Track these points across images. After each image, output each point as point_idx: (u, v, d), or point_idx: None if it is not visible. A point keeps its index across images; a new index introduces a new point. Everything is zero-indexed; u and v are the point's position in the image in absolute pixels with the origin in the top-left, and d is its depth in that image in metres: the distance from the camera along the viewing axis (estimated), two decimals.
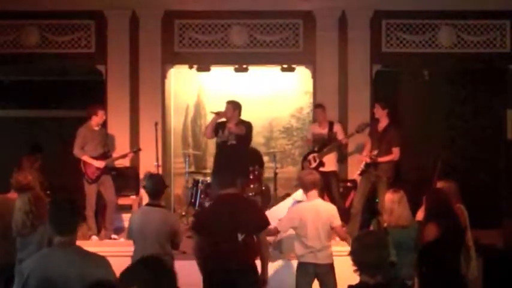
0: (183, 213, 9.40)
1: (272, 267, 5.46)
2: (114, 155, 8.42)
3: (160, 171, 8.53)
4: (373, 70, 9.38)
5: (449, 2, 9.28)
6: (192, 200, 9.06)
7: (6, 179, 6.10)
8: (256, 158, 9.38)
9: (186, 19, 9.44)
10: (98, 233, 8.05)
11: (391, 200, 5.75)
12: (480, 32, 9.37)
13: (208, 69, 9.84)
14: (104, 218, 8.15)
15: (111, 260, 3.62)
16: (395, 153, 7.73)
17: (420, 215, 5.89)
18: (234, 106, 7.96)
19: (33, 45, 9.35)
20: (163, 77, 9.58)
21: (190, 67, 9.89)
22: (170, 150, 10.38)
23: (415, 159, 8.97)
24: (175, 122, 10.56)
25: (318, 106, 8.72)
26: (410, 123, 9.56)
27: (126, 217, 8.77)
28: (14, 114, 11.10)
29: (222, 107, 8.06)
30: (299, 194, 6.71)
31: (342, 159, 9.07)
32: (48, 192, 6.88)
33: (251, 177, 8.88)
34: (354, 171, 8.39)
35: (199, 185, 9.00)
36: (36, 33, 9.33)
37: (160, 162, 8.64)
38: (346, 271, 5.87)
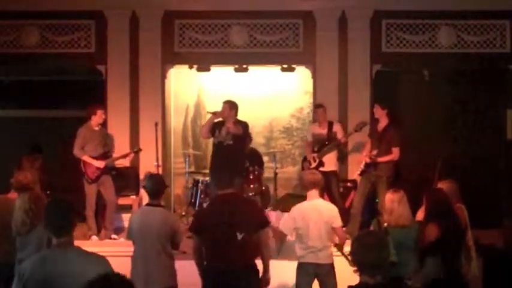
0: (183, 213, 9.40)
1: (271, 267, 5.44)
2: (114, 155, 8.42)
3: (160, 171, 8.53)
4: (373, 70, 9.38)
5: (449, 2, 9.28)
6: (192, 200, 9.06)
7: (6, 179, 6.11)
8: (256, 158, 9.39)
9: (186, 19, 9.44)
10: (98, 233, 8.04)
11: (391, 199, 5.75)
12: (480, 32, 9.37)
13: (208, 69, 9.84)
14: (104, 218, 8.14)
15: (111, 260, 3.62)
16: (395, 153, 7.73)
17: (420, 214, 5.89)
18: (231, 106, 7.95)
19: (33, 45, 9.36)
20: (163, 77, 9.58)
21: (190, 67, 9.89)
22: (170, 150, 10.38)
23: (415, 159, 8.96)
24: (175, 122, 10.56)
25: (318, 106, 8.71)
26: (410, 123, 9.55)
27: (126, 217, 8.76)
28: (14, 114, 11.09)
29: (222, 107, 8.07)
30: None
31: (342, 159, 9.07)
32: (48, 192, 6.89)
33: (251, 177, 8.89)
34: (354, 171, 8.39)
35: (199, 185, 9.00)
36: (36, 33, 9.34)
37: (160, 162, 8.64)
38: (346, 271, 5.89)
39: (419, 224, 5.67)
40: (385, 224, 5.85)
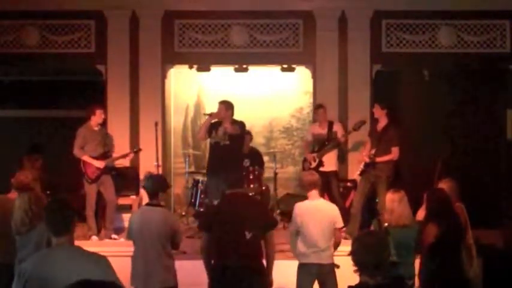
0: (183, 213, 9.41)
1: None
2: (114, 155, 8.42)
3: (160, 171, 8.53)
4: (373, 70, 9.38)
5: (449, 2, 9.28)
6: (192, 200, 9.06)
7: (6, 179, 6.11)
8: (256, 157, 9.39)
9: (186, 19, 9.44)
10: (98, 233, 8.05)
11: (391, 199, 5.76)
12: (480, 32, 9.37)
13: (208, 69, 9.84)
14: (104, 218, 8.15)
15: (111, 260, 3.62)
16: (394, 153, 7.74)
17: (421, 214, 5.89)
18: (227, 106, 7.95)
19: (33, 45, 9.35)
20: (163, 77, 9.57)
21: (190, 67, 9.89)
22: (170, 150, 10.38)
23: (415, 159, 8.97)
24: (175, 122, 10.56)
25: (319, 106, 8.70)
26: (410, 123, 9.55)
27: (126, 217, 8.77)
28: (14, 114, 11.08)
29: (218, 108, 8.08)
30: None
31: (342, 159, 9.07)
32: (48, 192, 6.89)
33: (251, 177, 8.89)
34: (354, 171, 8.39)
35: (199, 185, 9.00)
36: (36, 33, 9.33)
37: (160, 162, 8.64)
38: (346, 271, 5.88)
39: (420, 224, 5.68)
40: (386, 224, 5.86)
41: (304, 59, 9.51)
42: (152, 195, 5.51)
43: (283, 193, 9.65)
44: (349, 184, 8.91)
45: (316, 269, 5.81)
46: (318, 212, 5.85)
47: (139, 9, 9.34)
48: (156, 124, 8.72)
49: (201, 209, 8.85)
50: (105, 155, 8.13)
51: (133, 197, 8.88)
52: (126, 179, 8.85)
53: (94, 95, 9.33)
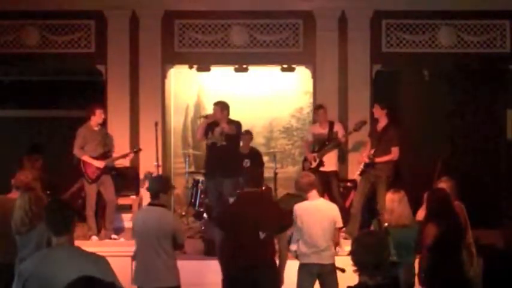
0: (183, 213, 9.40)
1: None
2: (114, 154, 8.42)
3: (160, 171, 8.53)
4: (373, 70, 9.38)
5: (449, 2, 9.27)
6: (192, 200, 9.06)
7: (6, 179, 6.11)
8: (256, 157, 9.39)
9: (186, 19, 9.44)
10: (98, 233, 8.04)
11: (391, 199, 5.76)
12: (480, 32, 9.37)
13: (208, 69, 9.83)
14: (104, 218, 8.14)
15: (111, 260, 3.63)
16: (394, 153, 7.74)
17: (421, 214, 5.90)
18: (222, 107, 7.96)
19: (33, 45, 9.35)
20: (163, 77, 9.57)
21: (190, 67, 9.89)
22: (170, 150, 10.38)
23: (415, 159, 8.97)
24: (175, 122, 10.56)
25: (319, 107, 8.69)
26: (410, 123, 9.55)
27: (126, 217, 8.80)
28: (14, 114, 11.09)
29: (213, 109, 8.08)
30: None
31: (343, 159, 9.07)
32: (48, 192, 6.89)
33: None
34: (354, 171, 8.39)
35: (199, 185, 9.00)
36: (36, 33, 9.33)
37: (160, 162, 8.64)
38: (346, 271, 5.88)
39: (420, 224, 5.68)
40: (386, 224, 5.86)
41: (304, 59, 9.51)
42: (153, 195, 5.51)
43: (283, 193, 9.64)
44: (349, 184, 8.90)
45: (317, 269, 5.81)
46: (318, 212, 5.85)
47: (139, 9, 9.34)
48: (156, 124, 8.72)
49: (201, 209, 8.87)
50: (105, 155, 8.12)
51: (133, 197, 8.87)
52: (126, 179, 8.85)
53: (94, 95, 9.33)
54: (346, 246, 5.88)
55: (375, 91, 9.29)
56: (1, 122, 11.07)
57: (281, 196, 9.52)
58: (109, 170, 8.20)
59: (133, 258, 5.69)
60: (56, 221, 3.65)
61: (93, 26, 9.39)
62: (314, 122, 9.04)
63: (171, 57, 9.52)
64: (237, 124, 8.03)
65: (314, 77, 9.52)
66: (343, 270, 5.74)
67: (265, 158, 9.79)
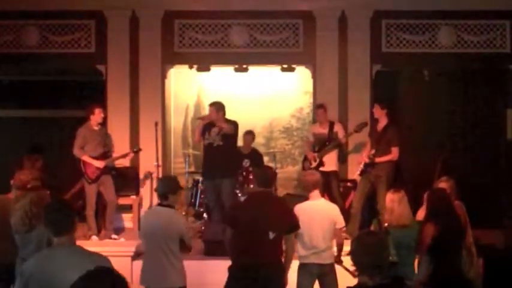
0: (183, 213, 9.39)
1: None
2: (114, 154, 8.42)
3: (160, 171, 8.54)
4: (373, 70, 9.37)
5: (449, 2, 9.27)
6: (192, 200, 9.07)
7: (6, 179, 6.11)
8: (256, 157, 9.39)
9: (186, 19, 9.43)
10: (98, 233, 8.04)
11: (391, 199, 5.76)
12: (480, 32, 9.36)
13: (208, 69, 9.84)
14: (104, 218, 8.14)
15: (111, 260, 3.62)
16: (394, 153, 7.74)
17: (421, 214, 5.90)
18: (217, 108, 7.96)
19: (33, 45, 9.34)
20: (163, 77, 9.57)
21: (190, 67, 9.89)
22: (170, 150, 10.38)
23: (415, 159, 8.97)
24: (175, 122, 10.56)
25: (319, 107, 8.70)
26: (411, 123, 9.55)
27: (126, 217, 8.82)
28: (14, 114, 11.09)
29: (208, 110, 8.09)
30: None
31: (343, 159, 9.07)
32: (48, 192, 6.89)
33: (251, 177, 8.88)
34: (354, 171, 8.39)
35: (199, 185, 9.01)
36: (36, 33, 9.32)
37: (160, 162, 8.64)
38: (346, 271, 5.89)
39: (420, 224, 5.68)
40: (386, 224, 5.86)
41: (304, 59, 9.50)
42: (161, 196, 5.50)
43: (283, 193, 9.63)
44: (349, 184, 8.90)
45: (317, 269, 5.82)
46: (318, 212, 5.85)
47: (139, 9, 9.33)
48: (156, 124, 8.72)
49: (201, 209, 8.87)
50: (105, 155, 8.12)
51: (133, 197, 8.87)
52: (126, 179, 8.84)
53: (94, 95, 9.33)
54: (346, 246, 5.88)
55: (375, 91, 9.28)
56: (1, 122, 11.07)
57: (281, 196, 9.52)
58: (109, 170, 8.20)
59: (134, 258, 5.70)
60: (57, 221, 3.65)
61: (93, 26, 9.38)
62: (314, 121, 9.05)
63: (171, 57, 9.51)
64: (234, 124, 8.04)
65: (314, 77, 9.52)
66: (353, 275, 5.71)
67: (265, 158, 9.79)
